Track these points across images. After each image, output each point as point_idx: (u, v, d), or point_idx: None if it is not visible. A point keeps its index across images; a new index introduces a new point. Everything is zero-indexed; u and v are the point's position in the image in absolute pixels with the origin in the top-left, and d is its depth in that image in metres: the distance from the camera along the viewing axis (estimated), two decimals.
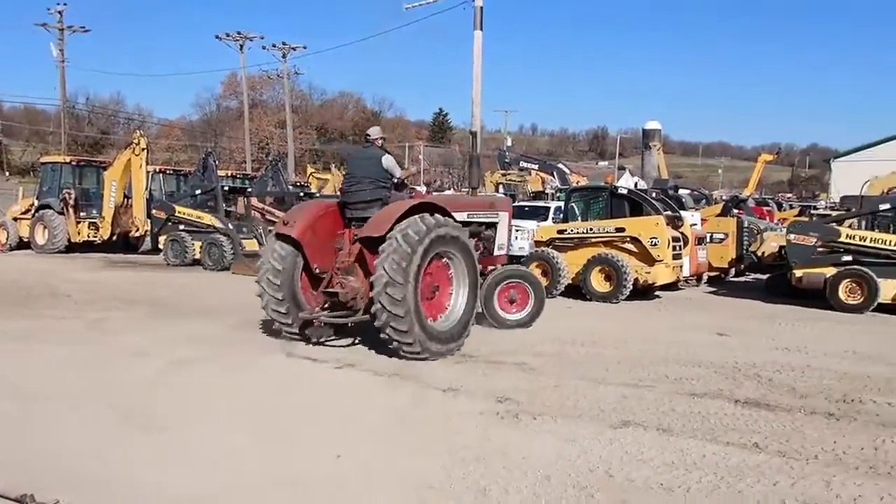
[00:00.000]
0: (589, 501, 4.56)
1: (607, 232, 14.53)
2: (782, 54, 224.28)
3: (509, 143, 58.91)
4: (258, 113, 73.10)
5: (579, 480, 4.87)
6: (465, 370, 8.05)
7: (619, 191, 15.66)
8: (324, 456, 5.28)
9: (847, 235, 13.86)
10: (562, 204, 18.16)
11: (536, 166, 37.02)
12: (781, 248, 15.82)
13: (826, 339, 10.37)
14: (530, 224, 19.91)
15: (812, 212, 24.92)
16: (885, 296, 13.09)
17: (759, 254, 17.38)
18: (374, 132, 9.80)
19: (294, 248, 9.00)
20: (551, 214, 21.53)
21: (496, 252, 10.77)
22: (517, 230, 20.82)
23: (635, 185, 27.34)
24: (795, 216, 22.70)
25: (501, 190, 34.43)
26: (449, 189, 44.51)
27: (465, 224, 9.58)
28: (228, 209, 20.45)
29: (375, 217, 8.66)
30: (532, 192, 34.64)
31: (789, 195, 62.54)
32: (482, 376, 7.75)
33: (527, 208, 24.72)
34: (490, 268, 10.70)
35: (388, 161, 9.34)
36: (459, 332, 8.89)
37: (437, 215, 8.64)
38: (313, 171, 44.24)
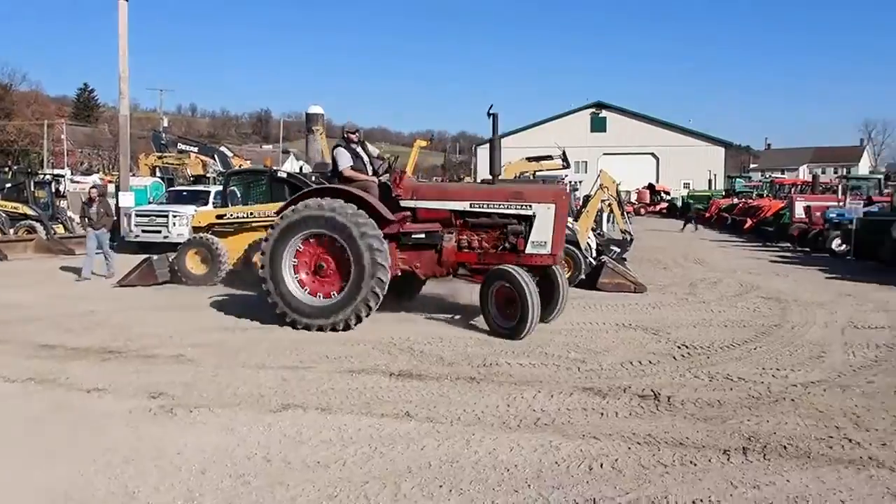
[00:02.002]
0: (245, 489, 4.48)
1: (268, 216, 14.36)
2: (433, 48, 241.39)
3: (166, 125, 55.56)
4: None
5: (236, 469, 4.77)
6: (113, 367, 7.44)
7: (279, 175, 15.61)
8: None
9: None
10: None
11: (196, 149, 35.43)
12: None
13: (463, 309, 11.31)
14: (189, 209, 18.99)
15: None
16: None
17: None
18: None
19: None
20: (211, 199, 20.80)
21: (529, 250, 9.43)
22: (175, 216, 19.91)
23: (300, 169, 27.42)
24: None
25: (158, 174, 32.42)
26: None
27: (465, 214, 9.82)
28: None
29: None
30: (192, 176, 33.14)
31: (443, 179, 67.49)
32: (133, 373, 7.22)
33: (185, 193, 23.54)
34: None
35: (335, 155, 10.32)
36: (335, 310, 9.28)
37: (327, 199, 9.45)
38: None
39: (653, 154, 68.47)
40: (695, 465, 4.91)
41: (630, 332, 9.58)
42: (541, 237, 9.34)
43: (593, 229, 16.78)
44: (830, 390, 6.77)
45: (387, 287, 9.31)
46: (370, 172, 10.33)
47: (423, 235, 9.80)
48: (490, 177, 10.34)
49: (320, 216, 9.36)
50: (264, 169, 16.61)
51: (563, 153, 21.48)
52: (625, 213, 18.39)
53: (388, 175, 10.28)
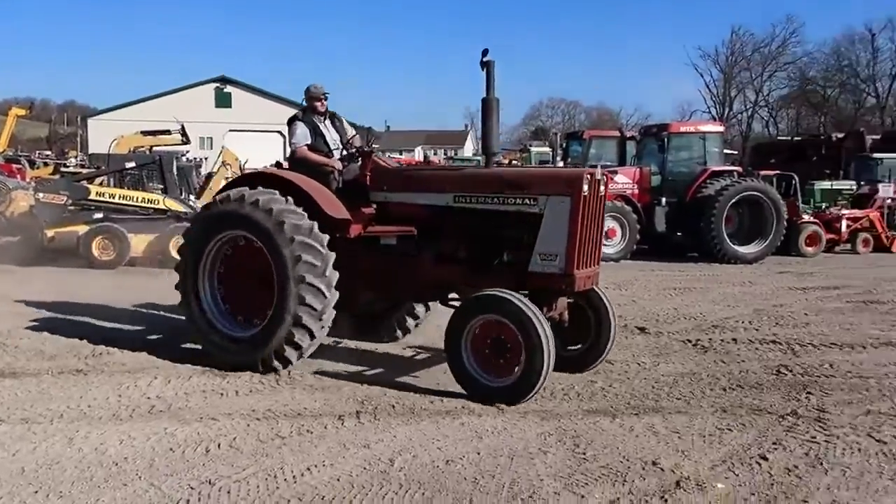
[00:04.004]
0: None
1: None
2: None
3: None
4: None
5: None
6: None
7: None
8: None
9: (97, 193, 14.12)
10: None
11: None
12: (32, 207, 15.17)
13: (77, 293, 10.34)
14: None
15: (62, 170, 24.53)
16: (136, 250, 13.81)
17: (9, 214, 16.32)
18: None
19: None
20: None
21: (534, 266, 6.17)
22: None
23: None
24: (50, 174, 22.04)
25: None
26: None
27: (448, 212, 6.72)
28: None
29: None
30: None
31: (48, 152, 60.35)
32: None
33: None
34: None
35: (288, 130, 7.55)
36: (255, 344, 6.60)
37: (259, 188, 6.72)
38: None
39: (280, 132, 68.77)
40: (311, 433, 5.09)
41: None
42: (549, 247, 6.10)
43: None
44: (424, 353, 7.50)
45: (328, 318, 6.53)
46: (338, 156, 7.41)
47: (392, 242, 7.00)
48: (484, 157, 7.22)
49: (236, 213, 6.61)
50: None
51: (182, 128, 20.55)
52: None
53: (355, 157, 7.30)
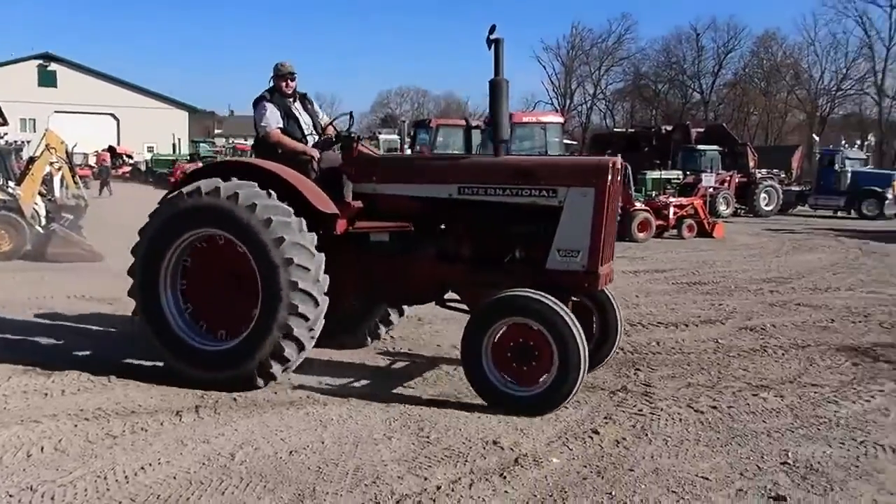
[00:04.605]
0: None
1: None
2: None
3: None
4: None
5: None
6: None
7: None
8: None
9: None
10: None
11: None
12: None
13: None
14: None
15: None
16: None
17: None
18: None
19: None
20: None
21: (552, 263, 5.64)
22: None
23: None
24: None
25: None
26: None
27: (451, 205, 6.05)
28: None
29: None
30: None
31: None
32: None
33: None
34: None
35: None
36: (233, 359, 5.74)
37: (234, 180, 5.80)
38: None
39: (113, 115, 64.88)
40: (146, 430, 4.87)
41: (85, 303, 9.04)
42: (570, 242, 5.62)
43: (42, 195, 15.20)
44: None
45: (319, 327, 5.84)
46: (311, 143, 6.66)
47: (385, 239, 6.32)
48: (492, 149, 6.42)
49: (210, 208, 5.75)
50: None
51: None
52: (77, 178, 17.05)
53: (333, 144, 6.53)
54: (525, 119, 17.77)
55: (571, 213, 5.61)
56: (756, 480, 4.27)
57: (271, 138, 6.49)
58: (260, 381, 5.71)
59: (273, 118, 6.52)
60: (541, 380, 5.30)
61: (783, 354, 7.18)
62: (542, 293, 5.31)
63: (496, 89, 5.88)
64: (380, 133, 38.87)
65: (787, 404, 5.66)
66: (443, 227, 6.29)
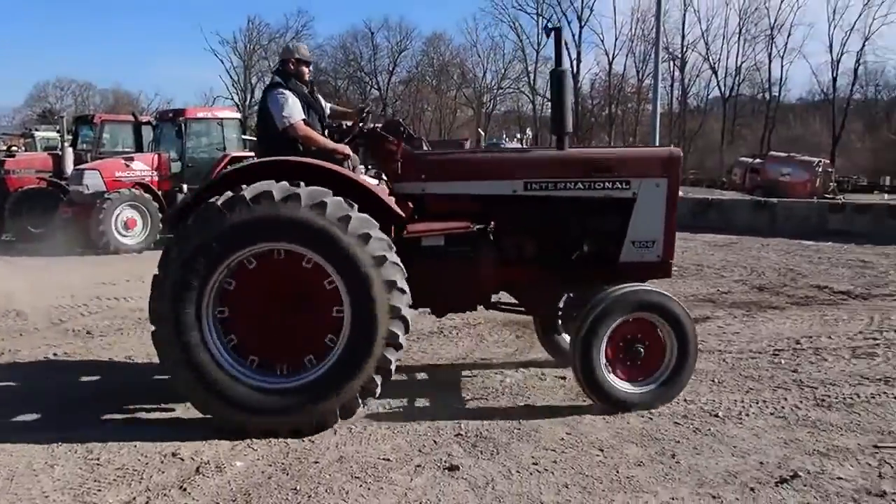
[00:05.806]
0: None
1: None
2: None
3: None
4: None
5: None
6: None
7: None
8: None
9: None
10: None
11: None
12: None
13: None
14: None
15: None
16: None
17: None
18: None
19: None
20: None
21: (626, 255, 5.54)
22: None
23: None
24: None
25: None
26: None
27: (515, 202, 5.57)
28: None
29: None
30: None
31: None
32: None
33: None
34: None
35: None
36: (305, 398, 4.72)
37: (301, 184, 4.74)
38: None
39: None
40: None
41: None
42: (645, 233, 5.60)
43: None
44: None
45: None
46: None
47: (440, 243, 5.50)
48: (557, 143, 5.71)
49: (285, 219, 4.65)
50: None
51: None
52: None
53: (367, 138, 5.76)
54: (200, 115, 16.92)
55: (645, 203, 5.61)
56: (433, 455, 4.54)
57: (298, 132, 5.57)
58: (337, 424, 4.94)
59: (296, 109, 5.63)
60: (654, 374, 5.29)
61: (457, 334, 7.74)
62: (660, 289, 5.31)
63: (559, 80, 5.48)
64: (37, 130, 34.55)
65: (460, 379, 6.11)
66: (505, 225, 5.74)
